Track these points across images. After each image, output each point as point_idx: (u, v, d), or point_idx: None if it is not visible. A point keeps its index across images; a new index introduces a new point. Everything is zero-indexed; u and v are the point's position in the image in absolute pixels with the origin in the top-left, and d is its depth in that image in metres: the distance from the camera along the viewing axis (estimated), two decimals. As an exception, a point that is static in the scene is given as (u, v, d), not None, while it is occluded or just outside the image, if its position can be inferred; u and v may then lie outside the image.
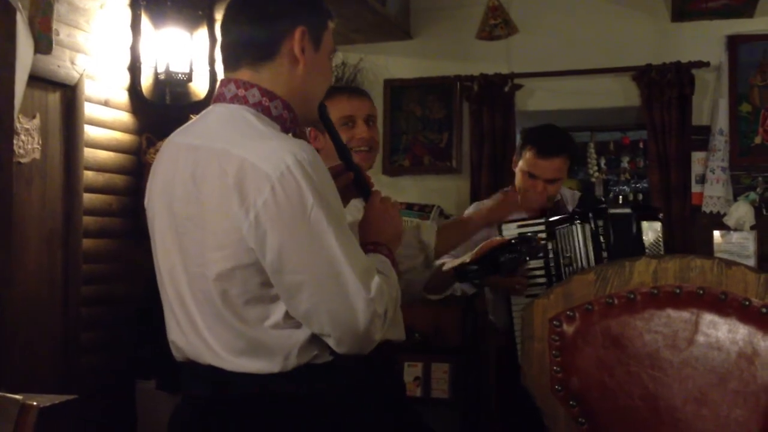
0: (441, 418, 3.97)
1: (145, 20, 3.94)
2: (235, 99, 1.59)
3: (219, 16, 4.06)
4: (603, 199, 5.78)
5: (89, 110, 3.60)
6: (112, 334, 3.78)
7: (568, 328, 2.03)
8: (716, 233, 4.31)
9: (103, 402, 3.62)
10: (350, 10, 4.13)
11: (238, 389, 1.53)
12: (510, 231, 2.96)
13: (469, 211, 3.15)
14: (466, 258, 2.51)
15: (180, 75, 4.00)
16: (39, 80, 3.29)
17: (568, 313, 2.03)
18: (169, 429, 1.67)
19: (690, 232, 4.28)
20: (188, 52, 4.01)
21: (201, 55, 4.10)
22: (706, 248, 4.23)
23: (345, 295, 1.47)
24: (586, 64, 4.54)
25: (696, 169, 4.40)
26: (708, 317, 1.92)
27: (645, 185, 6.60)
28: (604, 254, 2.80)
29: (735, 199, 4.35)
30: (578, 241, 2.84)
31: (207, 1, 4.11)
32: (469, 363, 4.39)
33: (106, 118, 3.73)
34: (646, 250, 2.74)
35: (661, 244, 2.83)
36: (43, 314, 3.40)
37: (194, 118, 1.71)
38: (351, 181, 1.74)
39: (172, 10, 3.98)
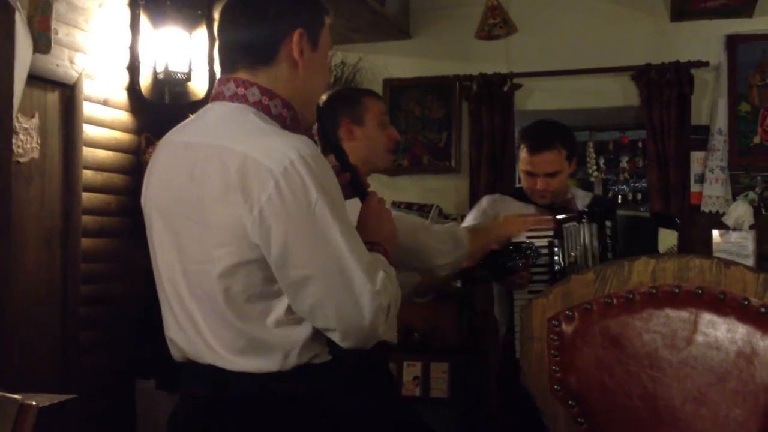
0: (440, 417, 3.97)
1: (144, 20, 3.94)
2: (235, 97, 1.59)
3: (218, 15, 4.06)
4: (618, 200, 5.74)
5: (88, 109, 3.60)
6: (111, 333, 3.78)
7: (567, 328, 2.03)
8: (715, 233, 4.32)
9: (102, 401, 3.62)
10: (349, 10, 4.13)
11: (237, 388, 1.53)
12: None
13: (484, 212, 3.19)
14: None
15: (179, 74, 3.99)
16: (38, 79, 3.29)
17: (567, 312, 2.03)
18: (168, 428, 1.67)
19: (689, 232, 4.28)
20: (187, 51, 4.01)
21: (200, 55, 4.10)
22: (705, 248, 4.24)
23: (350, 290, 1.47)
24: (585, 64, 4.54)
25: (695, 168, 4.41)
26: (707, 317, 1.92)
27: (644, 185, 6.59)
28: (610, 255, 2.80)
29: (734, 199, 4.36)
30: (585, 240, 2.85)
31: (206, 1, 4.11)
32: (468, 362, 4.40)
33: (105, 118, 3.73)
34: None
35: (676, 252, 2.84)
36: (42, 314, 3.40)
37: (191, 117, 1.71)
38: (348, 182, 1.74)
39: (171, 10, 3.98)
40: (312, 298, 1.47)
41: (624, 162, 7.10)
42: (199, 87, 4.12)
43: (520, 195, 3.17)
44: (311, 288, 1.47)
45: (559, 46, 4.61)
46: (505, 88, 4.63)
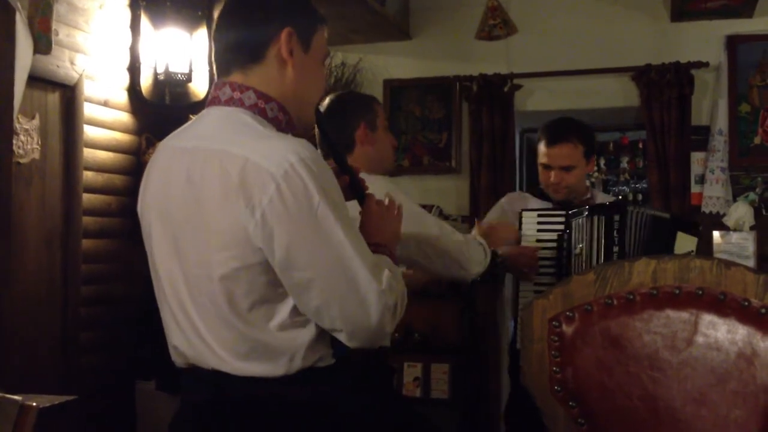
0: (441, 418, 3.97)
1: (144, 20, 3.94)
2: (231, 101, 1.59)
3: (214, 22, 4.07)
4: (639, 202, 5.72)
5: (89, 110, 3.60)
6: (111, 334, 3.78)
7: (568, 329, 2.03)
8: (716, 233, 4.32)
9: (102, 402, 3.62)
10: (349, 11, 4.13)
11: (241, 393, 1.53)
12: (531, 219, 3.01)
13: (492, 216, 3.22)
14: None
15: (179, 75, 3.99)
16: (38, 80, 3.29)
17: (567, 313, 2.03)
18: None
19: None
20: (188, 52, 4.01)
21: (200, 56, 4.10)
22: (705, 248, 4.23)
23: (356, 289, 1.47)
24: (586, 64, 4.54)
25: (695, 169, 4.41)
26: (707, 318, 1.92)
27: (644, 185, 6.61)
28: (615, 249, 2.80)
29: (734, 200, 4.35)
30: (592, 233, 2.85)
31: (206, 2, 4.11)
32: (469, 363, 4.39)
33: (105, 119, 3.73)
34: None
35: None
36: (42, 314, 3.40)
37: (189, 121, 1.71)
38: (347, 184, 1.75)
39: (171, 11, 3.98)
40: (318, 299, 1.48)
41: (624, 162, 7.11)
42: (199, 88, 4.12)
43: (541, 193, 3.20)
44: (316, 289, 1.47)
45: (559, 47, 4.61)
46: (506, 89, 4.63)
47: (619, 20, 4.55)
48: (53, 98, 3.45)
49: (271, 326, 1.51)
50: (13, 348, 3.15)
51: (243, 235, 1.46)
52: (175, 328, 1.60)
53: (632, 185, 7.07)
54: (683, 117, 4.35)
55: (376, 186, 1.92)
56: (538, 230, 3.00)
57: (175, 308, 1.59)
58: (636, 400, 1.94)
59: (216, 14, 4.09)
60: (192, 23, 4.05)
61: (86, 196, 3.59)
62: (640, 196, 6.88)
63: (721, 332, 1.90)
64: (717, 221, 4.33)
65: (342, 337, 1.51)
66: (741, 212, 4.28)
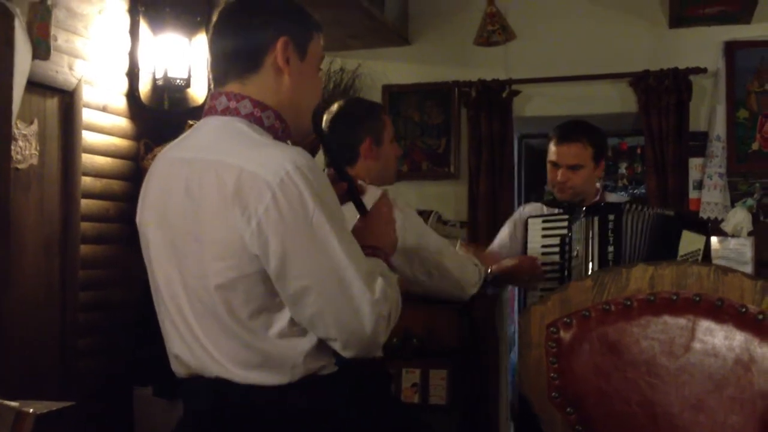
0: (439, 424, 3.96)
1: (143, 26, 3.94)
2: (227, 111, 1.59)
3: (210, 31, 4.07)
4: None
5: (87, 116, 3.60)
6: (109, 340, 3.78)
7: (566, 335, 2.03)
8: (714, 239, 4.32)
9: (100, 408, 3.61)
10: (348, 16, 4.14)
11: (244, 400, 1.53)
12: (536, 226, 3.01)
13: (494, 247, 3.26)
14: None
15: (178, 81, 4.00)
16: (37, 86, 3.29)
17: (565, 319, 2.03)
18: None
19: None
20: (187, 57, 4.02)
21: (199, 61, 4.10)
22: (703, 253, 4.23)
23: (350, 299, 1.47)
24: (584, 70, 4.55)
25: (693, 175, 4.41)
26: (704, 324, 1.92)
27: (642, 191, 6.61)
28: (611, 249, 2.79)
29: (732, 206, 4.36)
30: (588, 234, 2.85)
31: (205, 7, 4.11)
32: (468, 368, 4.39)
33: (104, 124, 3.73)
34: (679, 258, 2.72)
35: (699, 258, 2.79)
36: (40, 320, 3.39)
37: (187, 131, 1.71)
38: (345, 191, 1.75)
39: (170, 16, 3.98)
40: (312, 308, 1.48)
41: (623, 168, 7.11)
42: (198, 93, 4.12)
43: (551, 201, 3.21)
44: (311, 298, 1.47)
45: (558, 53, 4.62)
46: (504, 94, 4.64)
47: (617, 26, 4.56)
48: (52, 104, 3.45)
49: (270, 335, 1.51)
50: (11, 353, 3.15)
51: (239, 245, 1.46)
52: (176, 337, 1.60)
53: (630, 191, 7.07)
54: (681, 123, 4.35)
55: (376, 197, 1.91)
56: (543, 236, 3.01)
57: (176, 317, 1.59)
58: (634, 406, 1.94)
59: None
60: (191, 29, 4.06)
61: (84, 202, 3.59)
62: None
63: (719, 338, 1.90)
64: (715, 227, 4.34)
65: (336, 346, 1.51)
66: (739, 218, 4.29)
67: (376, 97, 4.75)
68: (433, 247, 2.32)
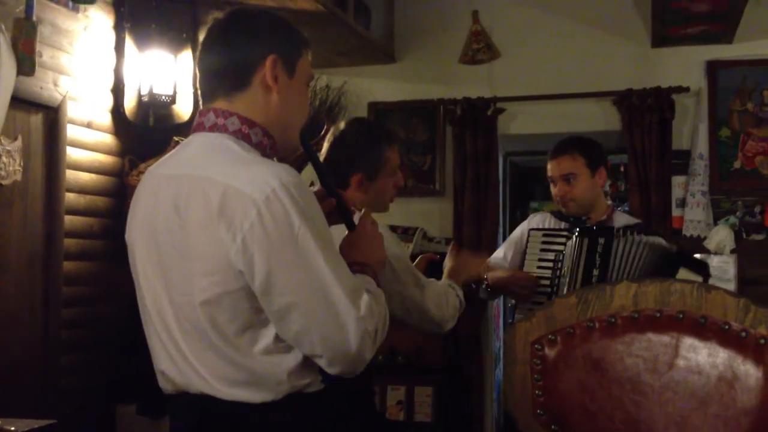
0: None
1: (129, 42, 3.95)
2: (215, 127, 1.59)
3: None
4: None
5: (72, 132, 3.59)
6: (92, 357, 3.75)
7: (550, 352, 2.03)
8: (696, 257, 4.34)
9: (83, 426, 3.58)
10: (334, 34, 4.15)
11: (230, 418, 1.53)
12: (536, 239, 3.05)
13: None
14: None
15: (164, 97, 4.00)
16: (21, 102, 3.28)
17: (549, 336, 2.04)
18: None
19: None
20: (172, 74, 4.02)
21: (185, 78, 4.11)
22: (686, 271, 4.26)
23: (335, 315, 1.47)
24: (568, 89, 4.58)
25: (676, 192, 4.44)
26: (688, 341, 1.93)
27: (626, 209, 6.64)
28: (596, 272, 2.82)
29: (715, 223, 4.39)
30: (577, 255, 2.88)
31: (191, 24, 4.12)
32: (453, 386, 4.38)
33: (88, 140, 3.72)
34: None
35: None
36: (22, 336, 3.37)
37: (175, 148, 1.71)
38: (333, 208, 1.75)
39: (156, 33, 3.99)
40: (297, 324, 1.47)
41: (606, 186, 7.12)
42: (183, 110, 4.13)
43: (560, 215, 3.24)
44: (296, 314, 1.47)
45: (542, 71, 4.66)
46: (489, 112, 4.66)
47: (600, 46, 4.60)
48: (36, 120, 3.44)
49: (256, 351, 1.51)
50: (-8, 371, 3.12)
51: (225, 261, 1.46)
52: (162, 353, 1.60)
53: (614, 208, 7.10)
54: (664, 141, 4.39)
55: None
56: (541, 249, 3.04)
57: (162, 334, 1.58)
58: (618, 423, 1.95)
59: (201, 37, 4.12)
60: (177, 45, 4.06)
61: (68, 218, 3.58)
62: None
63: (702, 356, 1.91)
64: (698, 244, 4.36)
65: (322, 363, 1.51)
66: (722, 236, 4.32)
67: (362, 114, 4.76)
68: (412, 285, 2.24)
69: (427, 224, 4.70)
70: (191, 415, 1.57)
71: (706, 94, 4.42)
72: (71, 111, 3.58)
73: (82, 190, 3.68)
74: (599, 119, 4.59)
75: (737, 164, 4.41)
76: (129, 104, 3.95)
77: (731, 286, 4.16)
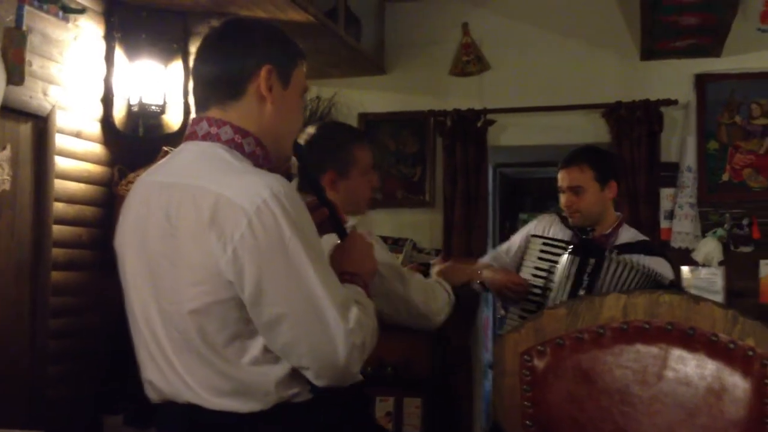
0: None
1: (119, 52, 3.94)
2: (208, 136, 1.59)
3: (193, 48, 4.07)
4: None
5: (61, 141, 3.58)
6: (80, 367, 3.72)
7: (539, 363, 2.03)
8: (685, 269, 4.37)
9: (69, 437, 3.56)
10: (325, 45, 4.17)
11: (217, 428, 1.52)
12: (535, 246, 3.05)
13: (486, 260, 3.32)
14: None
15: (153, 107, 3.99)
16: (10, 111, 3.27)
17: (539, 347, 2.04)
18: None
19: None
20: (162, 84, 4.01)
21: (175, 88, 4.10)
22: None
23: (324, 327, 1.47)
24: (557, 101, 4.60)
25: (665, 205, 4.46)
26: (677, 353, 1.93)
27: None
28: (581, 292, 2.82)
29: (703, 235, 4.41)
30: (566, 271, 2.89)
31: (181, 34, 4.12)
32: (442, 397, 4.38)
33: (77, 150, 3.71)
34: None
35: None
36: (10, 347, 3.34)
37: (166, 156, 1.70)
38: (326, 218, 1.75)
39: (146, 43, 3.98)
40: (285, 336, 1.47)
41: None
42: (173, 120, 4.12)
43: (564, 218, 3.23)
44: (285, 326, 1.46)
45: (532, 84, 4.68)
46: (479, 124, 4.68)
47: (590, 59, 4.63)
48: (25, 129, 3.43)
49: (244, 362, 1.50)
50: (-22, 381, 3.10)
51: (215, 270, 1.46)
52: (150, 363, 1.59)
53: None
54: (653, 153, 4.41)
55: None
56: (539, 258, 3.04)
57: (150, 343, 1.57)
58: (607, 435, 1.95)
59: (191, 47, 4.12)
60: (167, 56, 4.05)
61: (57, 228, 3.56)
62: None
63: (691, 367, 1.91)
64: (686, 256, 4.38)
65: (309, 375, 1.50)
66: (710, 247, 4.34)
67: (352, 124, 4.76)
68: (398, 283, 2.26)
69: (417, 235, 4.71)
70: (179, 425, 1.56)
71: (695, 107, 4.45)
72: (60, 120, 3.57)
73: (70, 200, 3.66)
74: (588, 131, 4.62)
75: (725, 177, 4.44)
76: (118, 114, 3.94)
77: (719, 298, 4.17)
